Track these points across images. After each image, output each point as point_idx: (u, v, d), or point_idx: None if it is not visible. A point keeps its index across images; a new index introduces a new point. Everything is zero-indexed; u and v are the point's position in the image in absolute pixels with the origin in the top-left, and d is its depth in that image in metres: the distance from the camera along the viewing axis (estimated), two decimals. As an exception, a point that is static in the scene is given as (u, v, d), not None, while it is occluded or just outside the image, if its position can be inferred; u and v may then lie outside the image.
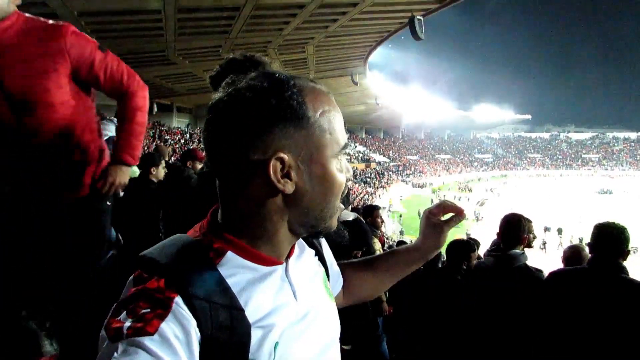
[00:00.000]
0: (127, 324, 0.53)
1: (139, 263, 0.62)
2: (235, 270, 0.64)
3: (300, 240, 0.79)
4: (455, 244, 3.25)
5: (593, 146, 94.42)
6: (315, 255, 0.85)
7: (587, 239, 2.35)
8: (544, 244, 27.59)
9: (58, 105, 1.61)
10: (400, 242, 7.67)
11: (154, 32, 14.93)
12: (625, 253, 2.18)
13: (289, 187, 0.63)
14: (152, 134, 26.93)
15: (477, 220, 35.66)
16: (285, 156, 0.62)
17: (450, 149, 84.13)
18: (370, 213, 4.53)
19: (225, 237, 0.67)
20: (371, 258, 1.05)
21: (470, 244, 3.31)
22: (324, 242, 0.93)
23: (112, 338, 0.52)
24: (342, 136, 0.68)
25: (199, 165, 4.26)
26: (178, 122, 35.10)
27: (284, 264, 0.71)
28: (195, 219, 0.75)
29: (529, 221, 2.75)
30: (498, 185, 59.88)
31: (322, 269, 0.84)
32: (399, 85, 53.21)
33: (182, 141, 29.64)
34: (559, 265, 3.05)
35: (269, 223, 0.67)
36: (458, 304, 2.80)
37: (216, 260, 0.64)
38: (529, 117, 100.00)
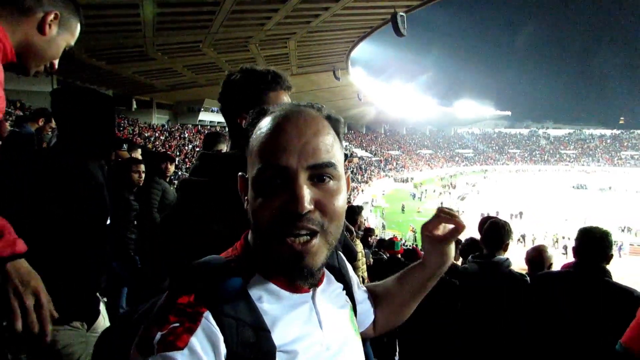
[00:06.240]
0: (157, 338, 0.54)
1: (171, 280, 0.63)
2: (263, 292, 0.65)
3: (329, 273, 0.80)
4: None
5: (570, 142, 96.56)
6: (344, 289, 0.83)
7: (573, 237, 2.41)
8: (523, 236, 28.25)
9: None
10: (381, 240, 7.69)
11: (132, 27, 14.56)
12: (608, 257, 2.23)
13: (246, 204, 0.67)
14: (131, 131, 26.41)
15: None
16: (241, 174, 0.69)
17: (431, 144, 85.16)
18: (352, 215, 4.51)
19: (253, 258, 0.67)
20: (391, 286, 0.98)
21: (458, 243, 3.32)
22: (354, 278, 0.90)
23: (143, 354, 0.54)
24: (263, 153, 0.62)
25: (173, 168, 4.29)
26: (158, 119, 34.55)
27: (311, 292, 0.71)
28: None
29: (508, 224, 2.81)
30: (478, 180, 60.86)
31: (350, 304, 0.82)
32: (382, 81, 53.63)
33: (163, 138, 29.16)
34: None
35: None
36: (455, 309, 2.80)
37: (246, 281, 0.65)
38: (509, 113, 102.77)
